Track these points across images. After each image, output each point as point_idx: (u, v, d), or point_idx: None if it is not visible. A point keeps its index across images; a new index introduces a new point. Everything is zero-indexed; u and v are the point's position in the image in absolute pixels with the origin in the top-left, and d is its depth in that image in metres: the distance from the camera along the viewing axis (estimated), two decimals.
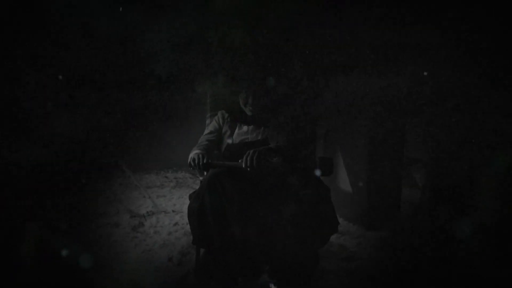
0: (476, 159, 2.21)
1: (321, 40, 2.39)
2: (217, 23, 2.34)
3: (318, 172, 1.92)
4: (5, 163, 2.31)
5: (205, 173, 1.98)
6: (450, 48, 2.19)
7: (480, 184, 2.20)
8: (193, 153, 1.93)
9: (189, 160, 1.91)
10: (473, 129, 2.22)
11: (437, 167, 2.38)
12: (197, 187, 1.93)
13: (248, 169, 1.74)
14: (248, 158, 1.74)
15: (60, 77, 2.36)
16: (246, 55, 2.34)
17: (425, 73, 2.29)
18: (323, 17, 2.31)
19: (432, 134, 2.41)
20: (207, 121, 2.32)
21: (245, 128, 2.08)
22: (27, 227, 2.08)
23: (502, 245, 2.03)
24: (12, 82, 2.33)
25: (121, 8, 2.16)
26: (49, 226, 2.24)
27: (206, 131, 2.16)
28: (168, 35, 2.38)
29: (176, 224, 2.67)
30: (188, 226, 1.91)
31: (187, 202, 1.90)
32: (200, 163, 1.86)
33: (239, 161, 1.78)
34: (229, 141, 2.07)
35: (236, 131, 2.09)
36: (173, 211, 2.92)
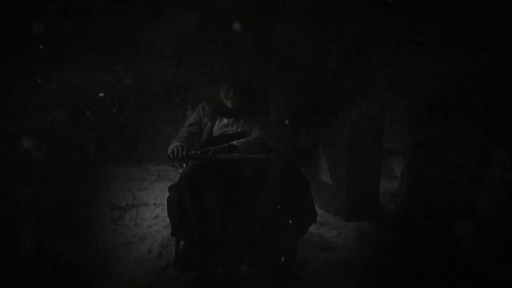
0: (476, 159, 2.24)
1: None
2: (217, 23, 2.33)
3: (297, 164, 1.94)
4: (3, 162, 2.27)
5: (184, 165, 1.98)
6: (450, 48, 2.22)
7: (480, 184, 2.23)
8: (173, 145, 1.92)
9: (168, 152, 1.91)
10: (473, 129, 2.24)
11: (436, 166, 2.42)
12: (177, 179, 1.94)
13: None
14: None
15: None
16: (246, 55, 2.35)
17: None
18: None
19: (431, 134, 2.44)
20: (188, 113, 2.31)
21: (225, 120, 2.08)
22: (26, 227, 2.05)
23: (502, 245, 2.06)
24: (12, 82, 2.29)
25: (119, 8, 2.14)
26: (45, 223, 2.21)
27: (187, 123, 2.16)
28: (168, 35, 2.36)
29: (156, 216, 2.66)
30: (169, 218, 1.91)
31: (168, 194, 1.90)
32: (179, 155, 1.86)
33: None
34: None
35: (217, 123, 2.09)
36: (154, 204, 2.90)
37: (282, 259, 1.87)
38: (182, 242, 1.94)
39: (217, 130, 2.06)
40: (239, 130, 2.03)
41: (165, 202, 1.95)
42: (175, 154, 1.87)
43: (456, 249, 2.11)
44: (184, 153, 1.87)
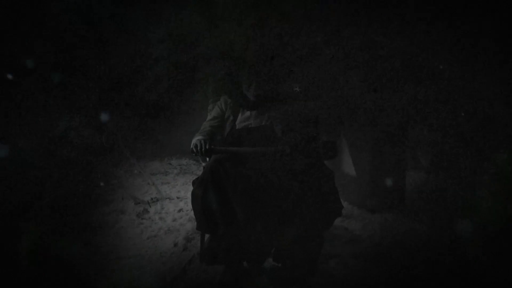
0: (476, 159, 2.20)
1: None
2: (217, 24, 2.31)
3: (321, 156, 1.91)
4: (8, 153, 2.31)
5: (207, 159, 1.98)
6: (450, 48, 2.17)
7: (480, 184, 2.19)
8: (196, 139, 1.92)
9: (191, 147, 1.91)
10: (473, 129, 2.20)
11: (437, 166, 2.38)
12: (201, 173, 1.94)
13: None
14: None
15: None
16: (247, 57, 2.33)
17: None
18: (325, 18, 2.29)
19: (431, 134, 2.39)
20: (209, 107, 2.30)
21: (248, 113, 2.06)
22: (26, 227, 2.08)
23: (502, 245, 2.02)
24: (12, 82, 2.34)
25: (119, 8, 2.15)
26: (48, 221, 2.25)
27: (209, 117, 2.15)
28: (168, 35, 2.36)
29: (180, 210, 2.69)
30: (193, 212, 1.92)
31: (191, 188, 1.90)
32: (203, 149, 1.86)
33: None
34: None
35: (239, 116, 2.07)
36: (177, 197, 2.93)
37: (307, 252, 1.85)
38: (207, 236, 1.95)
39: (240, 123, 2.05)
40: (263, 123, 2.00)
41: (188, 195, 1.96)
42: (198, 148, 1.87)
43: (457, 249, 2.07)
44: (207, 147, 1.87)
